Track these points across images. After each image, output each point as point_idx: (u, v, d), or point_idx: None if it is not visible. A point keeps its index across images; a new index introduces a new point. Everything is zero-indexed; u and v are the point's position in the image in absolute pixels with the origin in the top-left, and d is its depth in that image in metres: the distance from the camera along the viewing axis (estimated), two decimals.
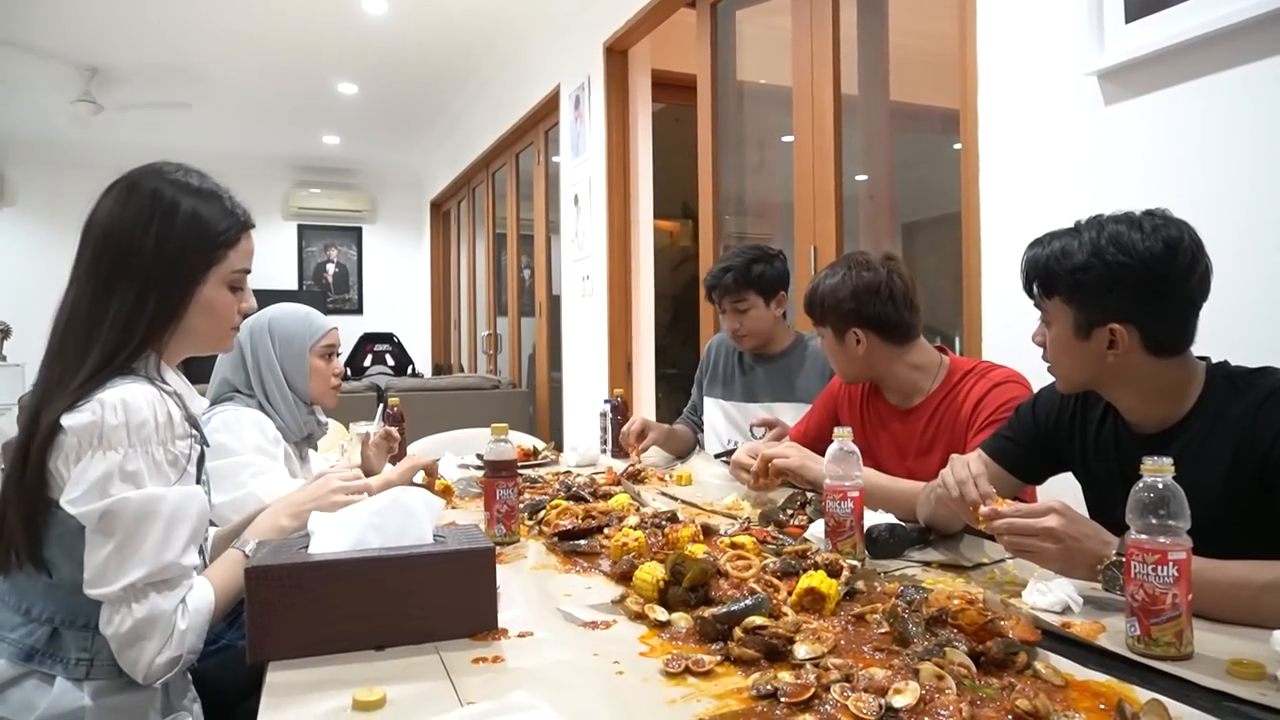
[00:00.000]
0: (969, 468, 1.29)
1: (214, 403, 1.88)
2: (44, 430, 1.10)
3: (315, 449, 2.16)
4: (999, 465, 1.46)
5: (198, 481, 1.20)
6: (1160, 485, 0.97)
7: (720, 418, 2.63)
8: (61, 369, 1.15)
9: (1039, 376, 1.73)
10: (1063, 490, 1.44)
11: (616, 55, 4.38)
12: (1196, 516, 0.97)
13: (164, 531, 1.10)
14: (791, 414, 2.42)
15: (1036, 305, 1.32)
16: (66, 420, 1.09)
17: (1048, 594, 1.12)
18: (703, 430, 2.73)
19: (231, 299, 1.30)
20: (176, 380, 1.25)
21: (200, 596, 1.14)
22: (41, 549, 1.13)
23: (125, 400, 1.10)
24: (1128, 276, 1.18)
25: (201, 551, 1.21)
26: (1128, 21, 1.82)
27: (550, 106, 5.25)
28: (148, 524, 1.08)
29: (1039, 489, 1.64)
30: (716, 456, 2.23)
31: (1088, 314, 1.23)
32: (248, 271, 1.32)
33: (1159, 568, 0.95)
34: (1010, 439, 1.49)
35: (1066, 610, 1.11)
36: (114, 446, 1.08)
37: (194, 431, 1.20)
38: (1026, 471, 1.48)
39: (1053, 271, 1.25)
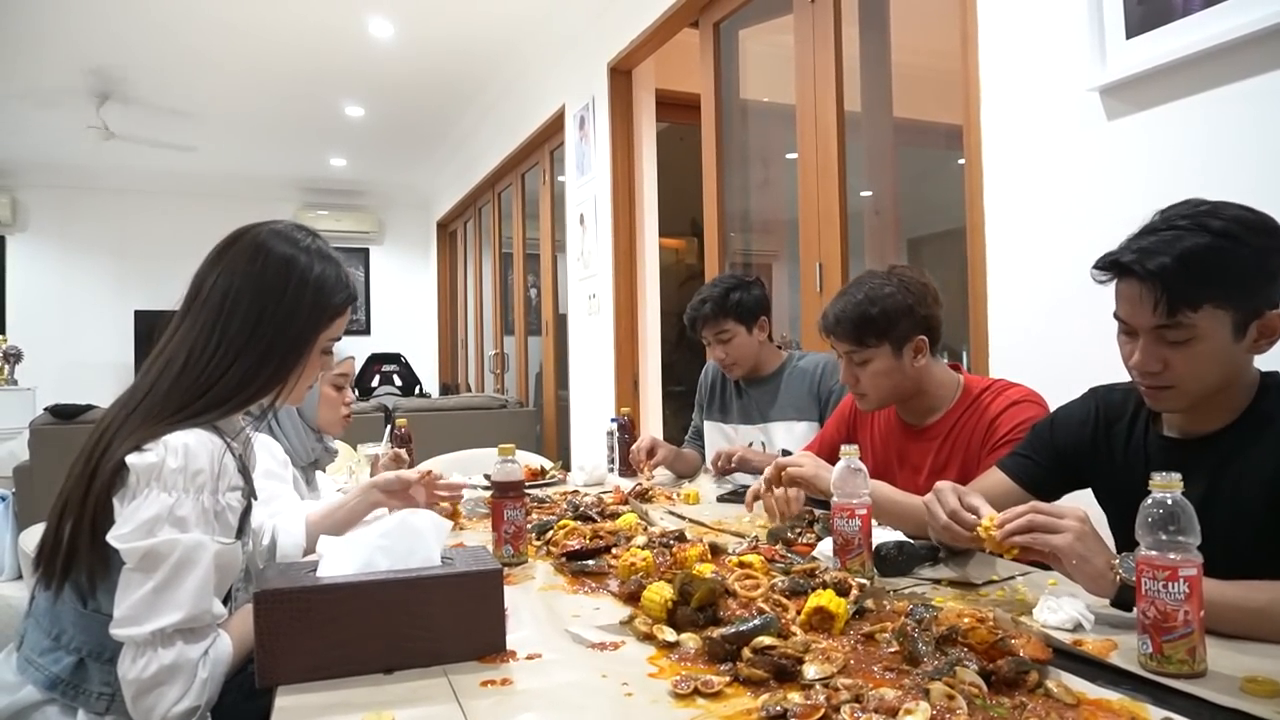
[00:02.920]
0: (947, 500, 1.28)
1: None
2: (110, 468, 1.10)
3: (324, 470, 2.17)
4: (1016, 484, 1.45)
5: (239, 533, 1.20)
6: (1169, 501, 0.96)
7: (720, 440, 2.64)
8: (161, 406, 1.16)
9: (1045, 390, 1.73)
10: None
11: (620, 75, 4.41)
12: (1236, 526, 0.95)
13: (203, 579, 1.09)
14: (777, 432, 2.45)
15: (1163, 328, 1.16)
16: (132, 460, 1.09)
17: (1058, 611, 1.11)
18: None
19: (318, 363, 1.33)
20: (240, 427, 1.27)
21: (221, 648, 1.13)
22: (103, 580, 1.13)
23: (188, 445, 1.12)
24: (1273, 259, 1.14)
25: (227, 600, 1.23)
26: (1129, 37, 1.83)
27: (555, 127, 5.28)
28: (189, 570, 1.08)
29: None
30: (720, 499, 2.23)
31: (1245, 309, 1.14)
32: (339, 339, 1.36)
33: (1170, 584, 0.94)
34: (1028, 457, 1.48)
35: (1078, 628, 1.10)
36: (168, 489, 1.09)
37: (244, 484, 1.21)
38: (1045, 490, 1.46)
39: (1199, 278, 1.12)
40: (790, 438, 2.41)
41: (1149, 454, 1.31)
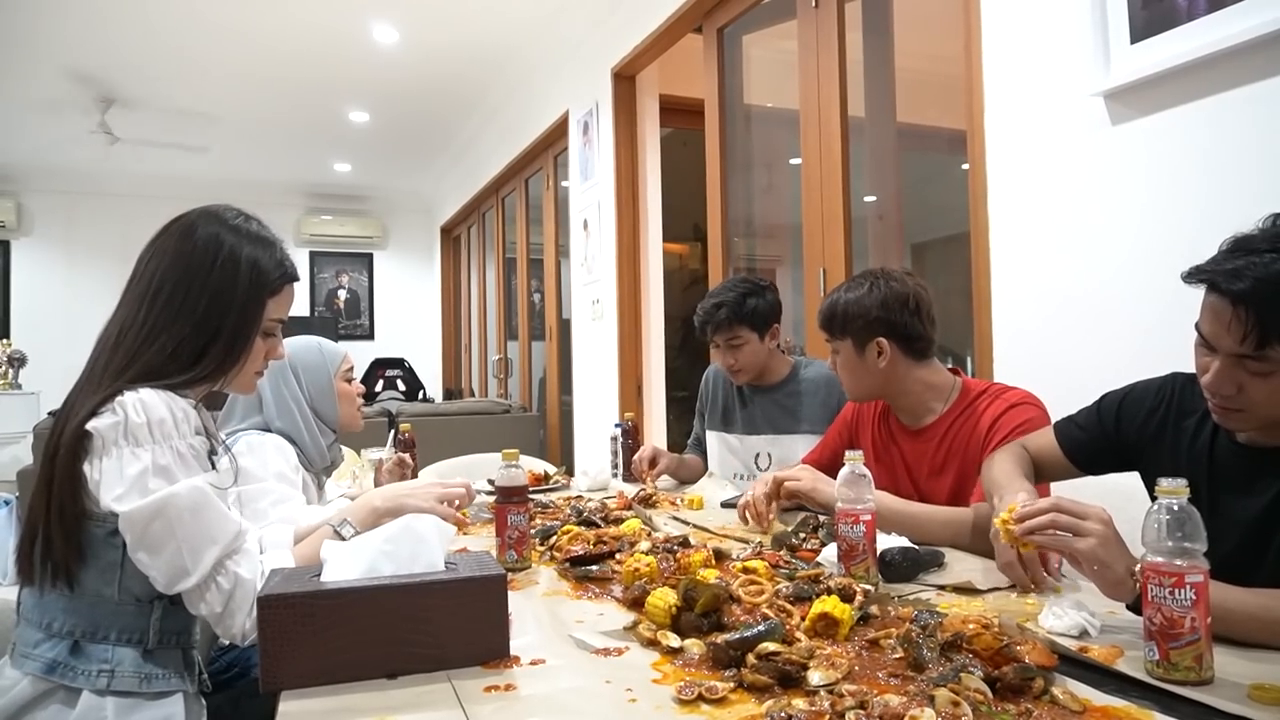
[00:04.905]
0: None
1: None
2: (70, 438, 1.13)
3: (329, 476, 2.16)
4: (1060, 449, 1.47)
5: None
6: (1176, 506, 0.96)
7: (723, 450, 2.60)
8: (100, 379, 1.20)
9: (1049, 395, 1.73)
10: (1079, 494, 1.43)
11: (624, 81, 4.42)
12: None
13: (219, 510, 1.17)
14: (796, 445, 2.41)
15: (1245, 357, 1.09)
16: (94, 424, 1.13)
17: (1064, 618, 1.11)
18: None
19: (263, 346, 1.35)
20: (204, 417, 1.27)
21: (280, 563, 1.21)
22: (80, 563, 1.15)
23: (143, 400, 1.16)
24: None
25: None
26: (1133, 42, 1.83)
27: (559, 132, 5.29)
28: (202, 510, 1.14)
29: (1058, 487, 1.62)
30: (724, 505, 2.22)
31: None
32: (283, 322, 1.38)
33: (1176, 591, 0.94)
34: (1081, 428, 1.47)
35: (1083, 634, 1.09)
36: (141, 444, 1.13)
37: (204, 433, 1.24)
38: (1090, 466, 1.47)
39: None
40: (807, 450, 2.38)
41: (1215, 455, 1.26)
